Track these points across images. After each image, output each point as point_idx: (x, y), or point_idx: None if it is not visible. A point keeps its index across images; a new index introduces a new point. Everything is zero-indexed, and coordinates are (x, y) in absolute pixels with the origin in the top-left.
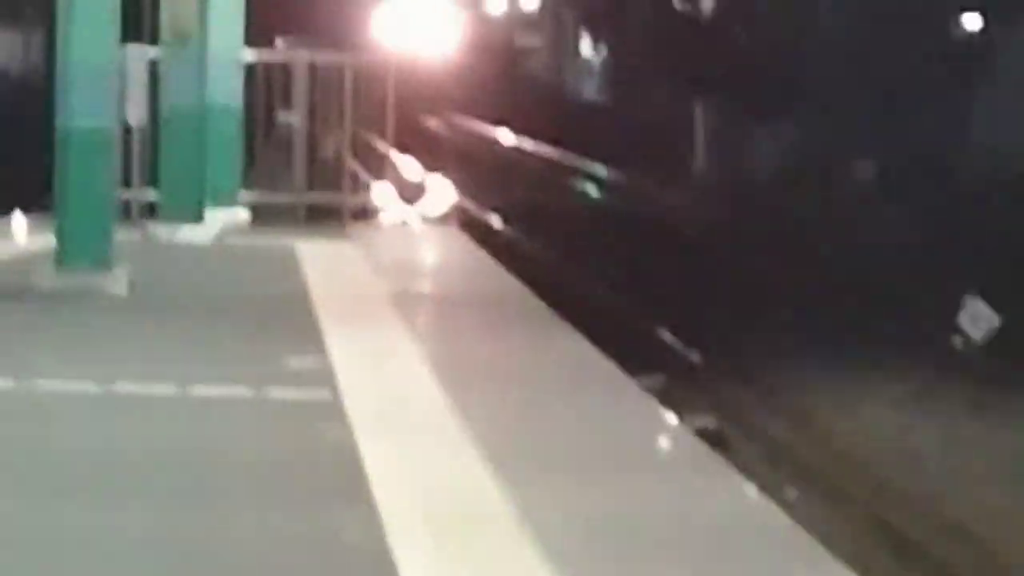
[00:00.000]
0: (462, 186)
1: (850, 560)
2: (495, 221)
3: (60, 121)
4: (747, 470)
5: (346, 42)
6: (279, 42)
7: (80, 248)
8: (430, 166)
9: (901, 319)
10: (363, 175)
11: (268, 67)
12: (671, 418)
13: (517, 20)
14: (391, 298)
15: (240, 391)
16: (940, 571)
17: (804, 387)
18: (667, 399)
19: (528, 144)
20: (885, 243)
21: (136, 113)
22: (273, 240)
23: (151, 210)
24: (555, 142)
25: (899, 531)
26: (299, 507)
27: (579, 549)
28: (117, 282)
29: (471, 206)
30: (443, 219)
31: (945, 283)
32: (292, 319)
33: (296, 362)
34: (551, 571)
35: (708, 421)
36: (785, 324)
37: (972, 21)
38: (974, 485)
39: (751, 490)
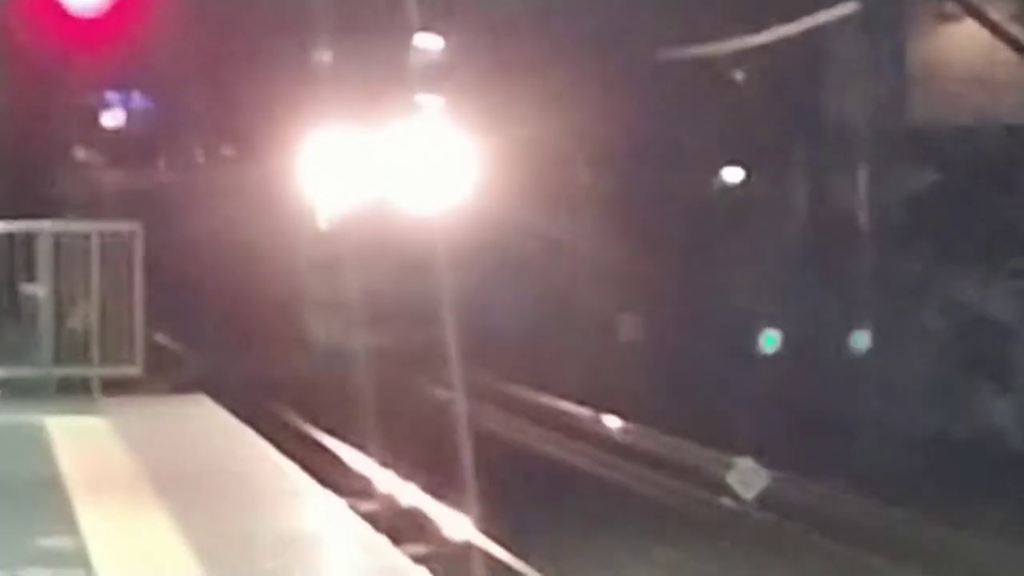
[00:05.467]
0: None
1: None
2: None
3: None
4: None
5: None
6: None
7: None
8: None
9: None
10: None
11: (10, 238)
12: None
13: None
14: (146, 474)
15: None
16: None
17: None
18: None
19: None
20: None
21: None
22: (21, 416)
23: None
24: None
25: None
26: None
27: None
28: None
29: None
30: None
31: None
32: (44, 499)
33: (49, 543)
34: None
35: None
36: None
37: None
38: None
39: None
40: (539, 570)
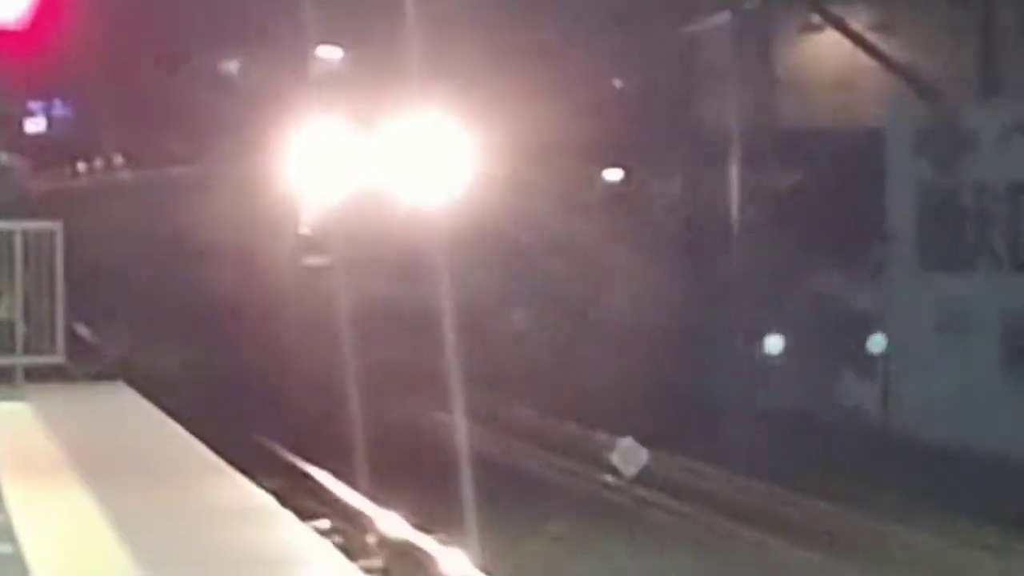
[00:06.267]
0: None
1: None
2: None
3: None
4: None
5: None
6: None
7: None
8: None
9: None
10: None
11: None
12: None
13: None
14: (67, 456)
15: None
16: None
17: None
18: None
19: None
20: None
21: None
22: None
23: None
24: None
25: None
26: None
27: None
28: None
29: None
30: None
31: None
32: None
33: None
34: None
35: None
36: None
37: None
38: None
39: None
40: None
